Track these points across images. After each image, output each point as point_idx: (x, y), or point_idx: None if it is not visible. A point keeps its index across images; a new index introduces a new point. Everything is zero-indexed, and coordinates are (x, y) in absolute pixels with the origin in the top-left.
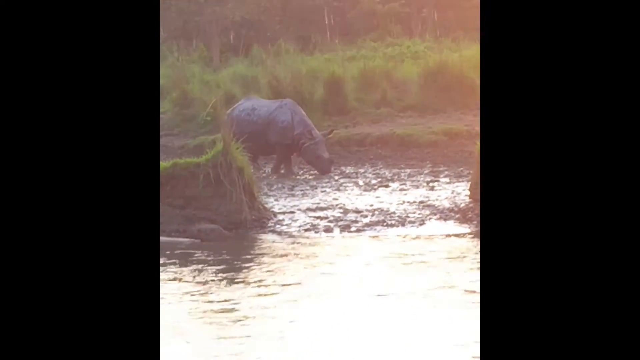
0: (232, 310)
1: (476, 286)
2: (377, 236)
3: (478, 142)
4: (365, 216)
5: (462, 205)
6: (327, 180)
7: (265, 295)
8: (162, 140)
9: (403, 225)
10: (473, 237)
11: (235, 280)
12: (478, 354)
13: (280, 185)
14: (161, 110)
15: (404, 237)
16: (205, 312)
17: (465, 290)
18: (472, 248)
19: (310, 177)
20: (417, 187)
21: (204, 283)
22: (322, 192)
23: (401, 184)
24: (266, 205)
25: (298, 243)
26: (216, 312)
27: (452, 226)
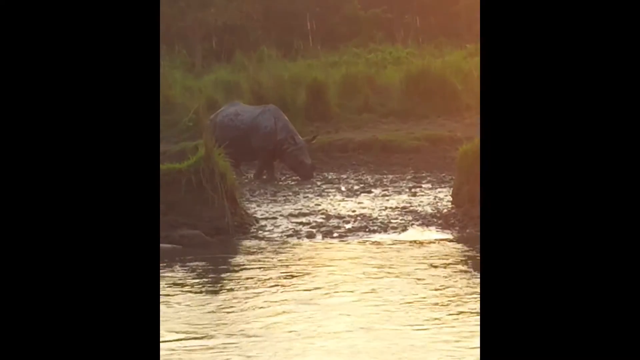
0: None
1: (458, 290)
2: (361, 242)
3: (460, 148)
4: (348, 222)
5: (445, 210)
6: (309, 186)
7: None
8: None
9: (385, 231)
10: (455, 243)
11: (218, 287)
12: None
13: (262, 190)
14: None
15: (387, 243)
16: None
17: (447, 297)
18: (454, 253)
19: (293, 182)
20: (400, 192)
21: (186, 286)
22: (304, 197)
23: (383, 190)
24: (248, 211)
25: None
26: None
27: (434, 232)
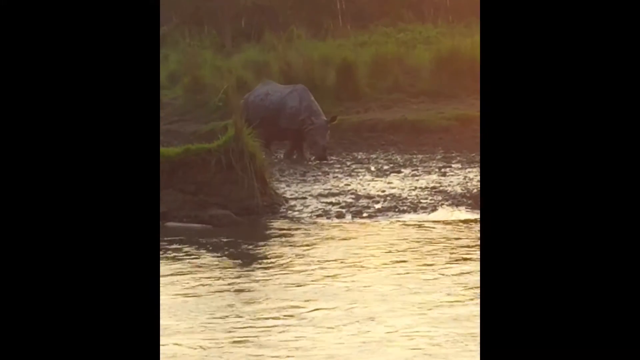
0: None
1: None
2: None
3: None
4: (377, 202)
5: (474, 190)
6: (339, 166)
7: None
8: (174, 126)
9: (415, 211)
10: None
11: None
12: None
13: (292, 171)
14: (173, 95)
15: (417, 223)
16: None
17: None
18: None
19: (323, 162)
20: (429, 173)
21: (220, 267)
22: (333, 178)
23: (413, 170)
24: (278, 191)
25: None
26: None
27: (463, 212)
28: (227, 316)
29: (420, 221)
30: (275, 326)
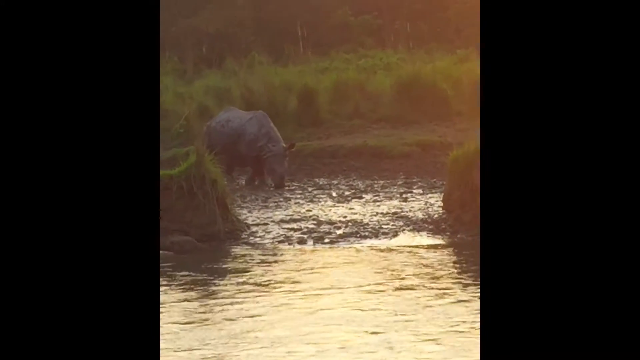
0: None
1: (451, 296)
2: (351, 247)
3: (451, 153)
4: (339, 228)
5: (435, 216)
6: (300, 192)
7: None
8: None
9: (376, 236)
10: (446, 248)
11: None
12: None
13: (253, 197)
14: None
15: (377, 248)
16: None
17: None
18: (445, 258)
19: (284, 189)
20: (391, 198)
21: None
22: (295, 203)
23: (374, 196)
24: (239, 217)
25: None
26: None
27: (425, 237)
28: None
29: (381, 247)
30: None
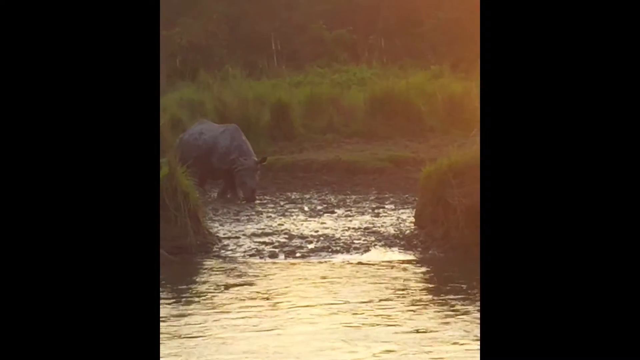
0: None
1: (420, 312)
2: (322, 262)
3: (423, 169)
4: (311, 242)
5: (407, 232)
6: (272, 205)
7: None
8: None
9: (348, 251)
10: (417, 264)
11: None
12: None
13: (225, 210)
14: None
15: (349, 263)
16: None
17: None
18: (417, 273)
19: (256, 202)
20: (363, 213)
21: None
22: (267, 217)
23: (346, 210)
24: (211, 230)
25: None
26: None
27: (396, 253)
28: None
29: (352, 262)
30: None
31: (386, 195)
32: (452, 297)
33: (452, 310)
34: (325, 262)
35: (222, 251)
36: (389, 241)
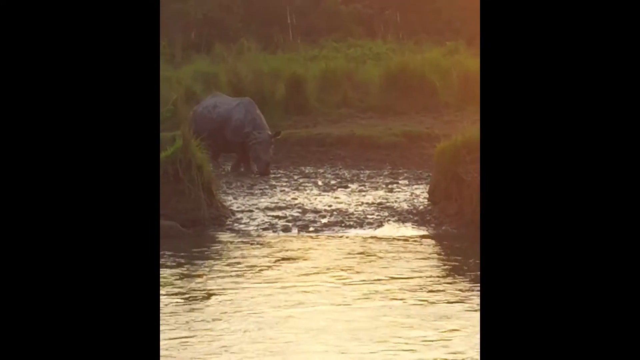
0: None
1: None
2: (335, 236)
3: (438, 145)
4: (324, 216)
5: (421, 207)
6: (286, 179)
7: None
8: None
9: (361, 226)
10: (431, 240)
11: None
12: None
13: (239, 183)
14: None
15: (363, 238)
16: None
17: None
18: (428, 249)
19: (270, 176)
20: (376, 188)
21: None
22: (281, 191)
23: (360, 185)
24: (224, 204)
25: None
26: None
27: (409, 228)
28: None
29: (365, 236)
30: None
31: (400, 171)
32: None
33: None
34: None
35: (235, 224)
36: (402, 216)
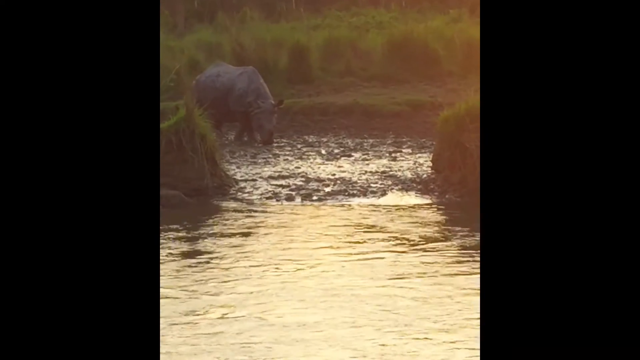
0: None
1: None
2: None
3: (441, 114)
4: (327, 185)
5: (424, 176)
6: (289, 148)
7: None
8: None
9: (365, 195)
10: (435, 209)
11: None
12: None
13: (242, 152)
14: None
15: (366, 206)
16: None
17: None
18: (432, 217)
19: (273, 145)
20: (380, 157)
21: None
22: (284, 160)
23: (364, 154)
24: (228, 173)
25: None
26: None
27: (413, 197)
28: None
29: (369, 205)
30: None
31: (403, 139)
32: None
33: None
34: (343, 205)
35: (239, 194)
36: (405, 185)
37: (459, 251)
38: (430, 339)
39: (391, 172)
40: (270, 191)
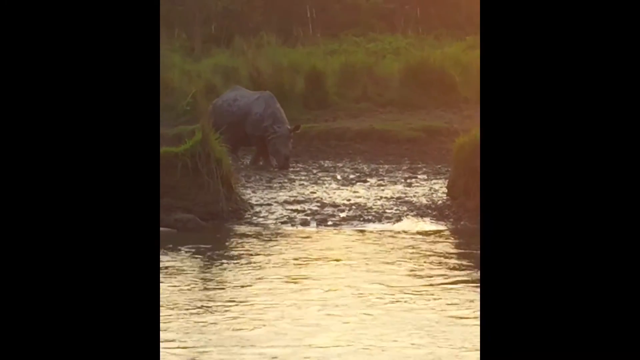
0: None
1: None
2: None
3: (457, 140)
4: (343, 210)
5: (439, 202)
6: (305, 173)
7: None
8: None
9: (380, 220)
10: (449, 235)
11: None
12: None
13: (258, 177)
14: None
15: (380, 232)
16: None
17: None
18: (448, 245)
19: (289, 170)
20: (395, 183)
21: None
22: (299, 185)
23: (379, 180)
24: (243, 197)
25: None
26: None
27: (428, 223)
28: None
29: (383, 231)
30: None
31: (419, 165)
32: None
33: None
34: (358, 230)
35: (254, 218)
36: (421, 211)
37: None
38: None
39: (406, 198)
40: (285, 216)
